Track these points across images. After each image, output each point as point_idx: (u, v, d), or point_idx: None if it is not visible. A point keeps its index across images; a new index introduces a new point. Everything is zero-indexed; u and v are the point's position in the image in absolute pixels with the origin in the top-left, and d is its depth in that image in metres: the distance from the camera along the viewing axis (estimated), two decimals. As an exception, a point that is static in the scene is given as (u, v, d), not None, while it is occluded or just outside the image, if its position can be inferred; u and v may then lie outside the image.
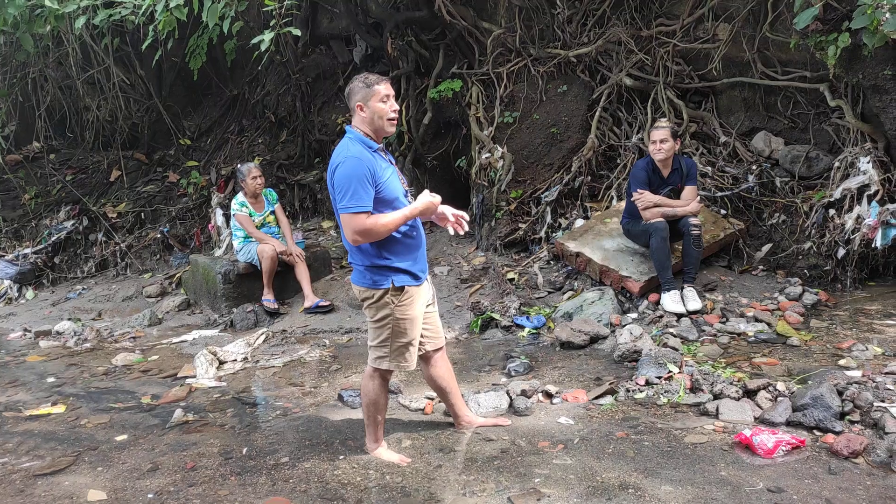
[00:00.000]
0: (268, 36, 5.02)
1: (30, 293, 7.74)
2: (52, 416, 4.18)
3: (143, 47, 6.25)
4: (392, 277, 3.00)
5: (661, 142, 4.88)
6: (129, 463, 3.40)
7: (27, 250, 8.02)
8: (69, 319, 6.62)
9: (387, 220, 2.91)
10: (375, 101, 2.96)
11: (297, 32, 5.38)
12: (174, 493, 3.04)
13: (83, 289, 7.65)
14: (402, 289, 3.02)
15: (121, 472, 3.31)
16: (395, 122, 3.05)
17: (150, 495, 3.04)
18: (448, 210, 3.16)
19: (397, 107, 3.04)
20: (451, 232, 3.19)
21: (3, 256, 7.99)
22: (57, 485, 3.22)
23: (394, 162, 3.15)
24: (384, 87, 2.97)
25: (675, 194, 5.02)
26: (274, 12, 5.17)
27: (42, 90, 8.89)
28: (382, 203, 2.95)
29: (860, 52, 4.92)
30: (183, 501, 2.96)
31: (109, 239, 8.15)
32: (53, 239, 8.09)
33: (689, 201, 4.97)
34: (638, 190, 4.95)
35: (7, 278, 7.77)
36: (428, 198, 3.03)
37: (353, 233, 2.89)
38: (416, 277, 3.07)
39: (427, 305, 3.23)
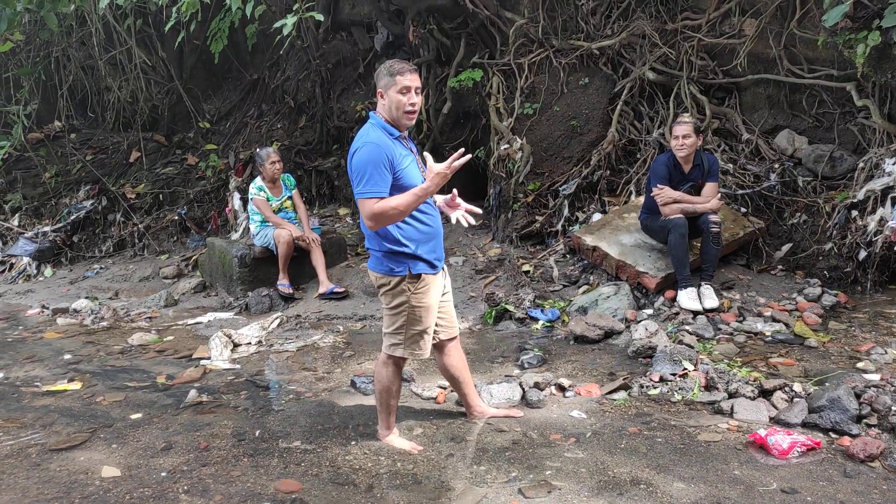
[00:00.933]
0: (290, 20, 5.02)
1: (48, 271, 7.83)
2: (68, 392, 4.23)
3: (166, 29, 6.28)
4: (409, 264, 3.00)
5: (683, 137, 4.82)
6: (143, 441, 3.43)
7: (46, 228, 8.11)
8: (86, 298, 6.69)
9: (397, 202, 2.86)
10: (395, 90, 2.91)
11: (320, 18, 5.37)
12: (187, 473, 3.06)
13: (101, 268, 7.73)
14: (418, 276, 3.01)
15: (135, 449, 3.34)
16: (414, 115, 2.97)
17: (163, 473, 3.07)
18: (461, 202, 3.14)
19: (417, 100, 2.96)
20: (454, 220, 3.13)
21: (23, 234, 8.08)
22: (72, 460, 3.26)
23: (415, 150, 3.13)
24: (407, 79, 2.90)
25: (696, 191, 4.96)
26: (297, -3, 5.16)
27: (65, 69, 8.97)
28: (400, 191, 2.93)
29: (890, 51, 4.84)
30: (196, 481, 2.99)
31: (128, 219, 8.22)
32: (73, 218, 8.17)
33: (709, 198, 4.91)
34: (658, 185, 4.90)
35: (26, 255, 7.86)
36: (438, 169, 2.88)
37: (367, 218, 2.88)
38: (432, 266, 3.06)
39: (442, 295, 3.23)
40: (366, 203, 2.86)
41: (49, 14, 6.71)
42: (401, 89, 2.91)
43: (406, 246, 2.98)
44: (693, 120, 5.00)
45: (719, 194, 5.00)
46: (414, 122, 3.03)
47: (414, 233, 3.00)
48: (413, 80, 2.93)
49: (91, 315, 6.18)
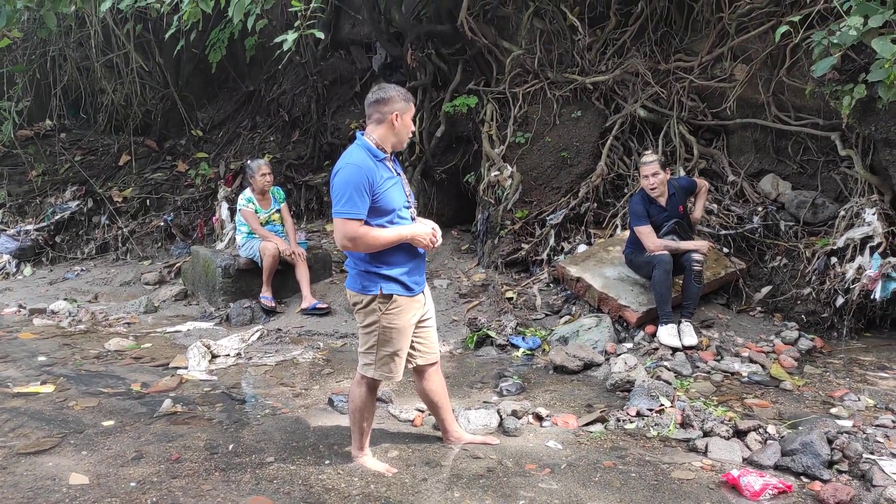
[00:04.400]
0: (291, 36, 5.05)
1: (28, 270, 7.73)
2: (40, 395, 4.17)
3: (166, 36, 6.29)
4: (381, 284, 3.00)
5: (652, 175, 4.92)
6: (114, 449, 3.39)
7: (29, 227, 8.03)
8: (65, 299, 6.61)
9: (378, 234, 2.94)
10: (409, 116, 3.06)
11: (320, 35, 5.41)
12: (157, 484, 3.02)
13: (82, 270, 7.66)
14: (390, 297, 3.01)
15: (105, 457, 3.30)
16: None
17: (132, 484, 3.03)
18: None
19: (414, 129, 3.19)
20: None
21: (5, 231, 7.99)
22: (40, 465, 3.21)
23: (400, 172, 3.16)
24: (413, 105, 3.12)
25: (681, 228, 5.04)
26: (299, 13, 5.21)
27: (60, 69, 8.94)
28: (378, 212, 2.95)
29: (874, 104, 4.97)
30: (165, 493, 2.95)
31: (112, 223, 8.16)
32: (56, 218, 8.10)
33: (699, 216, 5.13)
34: (654, 251, 4.94)
35: (6, 253, 7.77)
36: (424, 229, 3.06)
37: (343, 238, 2.92)
38: (407, 288, 3.06)
39: (425, 320, 3.22)
40: (345, 224, 2.89)
41: (48, 13, 6.72)
42: (413, 115, 3.10)
43: (380, 266, 3.00)
44: (657, 156, 5.12)
45: (707, 243, 5.10)
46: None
47: (390, 255, 3.01)
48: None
49: (68, 317, 6.11)
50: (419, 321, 3.19)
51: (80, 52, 8.99)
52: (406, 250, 3.04)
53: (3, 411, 3.87)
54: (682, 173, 6.07)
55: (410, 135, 3.10)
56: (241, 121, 9.22)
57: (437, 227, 3.12)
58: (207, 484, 3.04)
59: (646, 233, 4.97)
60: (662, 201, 5.03)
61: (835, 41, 4.66)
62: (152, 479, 3.07)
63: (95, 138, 9.16)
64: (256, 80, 9.31)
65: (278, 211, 6.39)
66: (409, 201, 3.11)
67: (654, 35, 6.67)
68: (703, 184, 5.39)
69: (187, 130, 9.07)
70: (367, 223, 2.93)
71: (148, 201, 8.38)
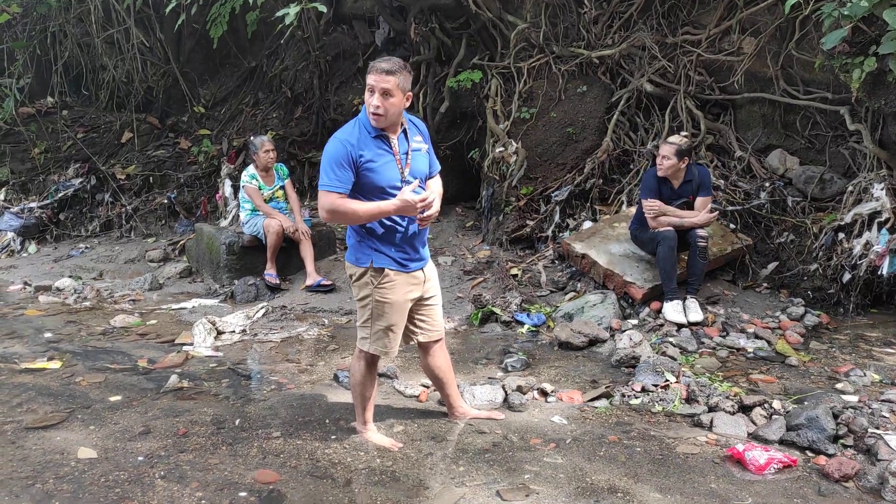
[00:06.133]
0: (293, 10, 5.00)
1: (32, 247, 7.75)
2: (47, 371, 4.19)
3: (166, 11, 6.23)
4: (373, 257, 3.00)
5: (662, 157, 4.87)
6: (121, 424, 3.41)
7: (33, 204, 8.02)
8: (70, 277, 6.63)
9: (356, 206, 2.87)
10: (367, 89, 2.88)
11: (323, 9, 5.36)
12: (164, 458, 3.05)
13: (86, 247, 7.66)
14: (381, 270, 3.00)
15: (112, 432, 3.32)
16: (376, 118, 2.85)
17: (140, 458, 3.05)
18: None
19: (379, 102, 2.82)
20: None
21: (9, 209, 7.99)
22: (48, 439, 3.24)
23: (402, 150, 2.97)
24: (370, 77, 2.83)
25: (688, 207, 5.00)
26: (301, -13, 5.15)
27: (60, 46, 8.86)
28: (367, 189, 2.91)
29: (885, 77, 4.89)
30: (173, 466, 2.97)
31: (116, 200, 8.14)
32: (60, 195, 8.09)
33: (698, 212, 4.94)
34: (650, 199, 4.91)
35: (11, 230, 7.78)
36: (405, 197, 2.87)
37: (322, 209, 2.92)
38: (400, 264, 3.04)
39: (428, 298, 3.20)
40: (323, 195, 2.89)
41: (48, -12, 6.65)
42: (368, 88, 2.87)
43: (369, 239, 3.00)
44: (679, 141, 4.90)
45: (710, 206, 4.99)
46: (380, 124, 2.88)
47: (377, 229, 2.99)
48: (378, 80, 2.81)
49: (74, 294, 6.13)
50: (423, 299, 3.18)
51: (80, 28, 8.90)
52: (391, 226, 2.99)
53: (11, 387, 3.90)
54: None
55: (371, 110, 2.84)
56: (244, 97, 9.14)
57: (426, 194, 2.93)
58: (214, 458, 3.06)
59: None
60: (676, 183, 4.98)
61: (845, 13, 4.57)
62: (160, 453, 3.09)
63: (97, 115, 9.10)
64: (258, 55, 9.21)
65: (282, 188, 6.37)
66: (404, 180, 2.97)
67: (661, 8, 6.55)
68: (708, 210, 4.98)
69: (189, 107, 9.00)
70: (357, 198, 2.91)
71: (151, 179, 8.35)
